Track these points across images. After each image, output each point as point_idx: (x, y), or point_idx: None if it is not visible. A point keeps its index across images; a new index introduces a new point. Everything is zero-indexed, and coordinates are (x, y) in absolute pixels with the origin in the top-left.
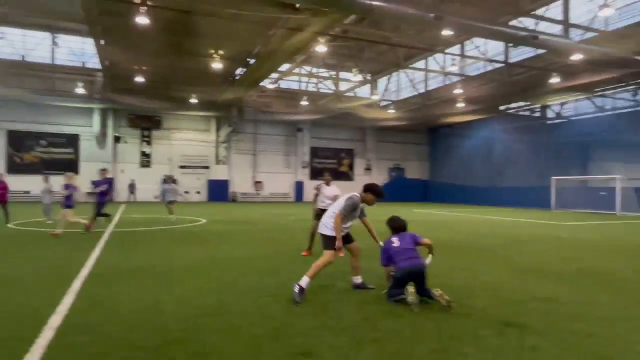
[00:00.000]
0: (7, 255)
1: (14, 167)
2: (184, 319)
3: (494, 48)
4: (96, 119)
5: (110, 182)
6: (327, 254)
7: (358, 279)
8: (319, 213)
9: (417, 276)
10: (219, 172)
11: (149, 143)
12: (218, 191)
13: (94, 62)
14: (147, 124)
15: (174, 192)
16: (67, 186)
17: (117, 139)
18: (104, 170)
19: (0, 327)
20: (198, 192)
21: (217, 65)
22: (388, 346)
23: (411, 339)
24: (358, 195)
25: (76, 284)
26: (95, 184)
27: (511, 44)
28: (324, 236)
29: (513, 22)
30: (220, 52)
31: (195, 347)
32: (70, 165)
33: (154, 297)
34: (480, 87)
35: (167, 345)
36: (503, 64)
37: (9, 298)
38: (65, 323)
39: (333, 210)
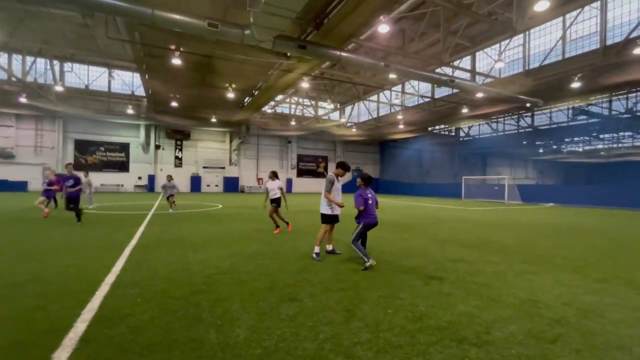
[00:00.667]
0: (72, 231)
1: (80, 166)
2: (205, 276)
3: (424, 87)
4: (142, 131)
5: (76, 178)
6: (323, 227)
7: (330, 247)
8: (273, 200)
9: (372, 229)
10: (231, 171)
11: (180, 150)
12: (231, 185)
13: (141, 91)
14: (179, 136)
15: (172, 188)
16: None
17: (157, 147)
18: (69, 165)
19: (68, 282)
20: (217, 186)
21: (231, 95)
22: (349, 292)
23: (366, 288)
24: (332, 173)
25: (126, 251)
26: (63, 178)
27: (436, 85)
28: (321, 214)
29: (438, 70)
30: (233, 85)
31: (214, 295)
32: (123, 166)
33: (183, 260)
34: (415, 114)
35: (193, 294)
36: (430, 99)
37: (75, 261)
38: (118, 280)
39: (322, 193)
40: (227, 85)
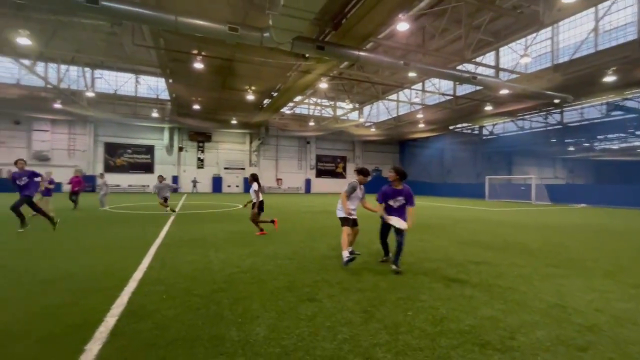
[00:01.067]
0: (101, 229)
1: (109, 168)
2: (227, 275)
3: (446, 85)
4: (166, 134)
5: (31, 174)
6: (343, 230)
7: (350, 249)
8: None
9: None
10: (251, 172)
11: (202, 151)
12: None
13: (165, 95)
14: (201, 138)
15: (168, 188)
16: (52, 181)
17: (180, 149)
18: (20, 161)
19: (99, 279)
20: (237, 186)
21: (250, 97)
22: (368, 294)
23: (385, 289)
24: (355, 180)
25: (152, 250)
26: (14, 176)
27: (458, 82)
28: (339, 218)
29: (460, 67)
30: (253, 88)
31: (235, 293)
32: (148, 167)
33: (205, 259)
34: (436, 112)
35: (215, 292)
36: (452, 97)
37: (104, 259)
38: (144, 277)
39: (341, 195)
40: (247, 87)
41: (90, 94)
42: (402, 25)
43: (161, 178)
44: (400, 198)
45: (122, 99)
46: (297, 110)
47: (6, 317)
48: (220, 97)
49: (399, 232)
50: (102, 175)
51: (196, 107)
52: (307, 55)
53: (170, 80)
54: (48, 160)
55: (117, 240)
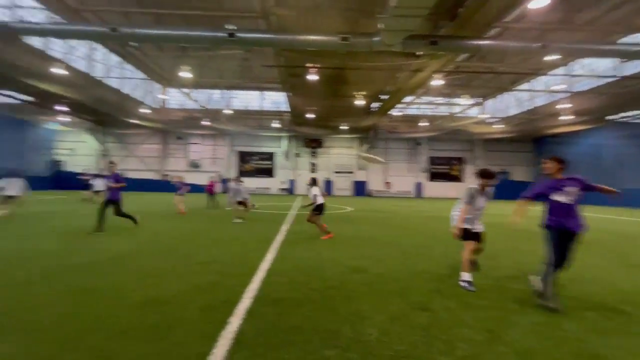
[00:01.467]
0: (234, 226)
1: (242, 173)
2: (338, 273)
3: (602, 64)
4: (284, 142)
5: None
6: (466, 246)
7: (469, 275)
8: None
9: (568, 242)
10: (360, 175)
11: (315, 156)
12: (359, 189)
13: (284, 107)
14: (314, 144)
15: (242, 192)
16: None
17: (296, 155)
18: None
19: (235, 265)
20: (347, 189)
21: (360, 102)
22: (492, 312)
23: (514, 311)
24: (475, 185)
25: (274, 245)
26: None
27: (623, 60)
28: (459, 230)
29: (624, 39)
30: (363, 93)
31: (346, 292)
32: (269, 172)
33: (318, 257)
34: (587, 100)
35: (328, 289)
36: (613, 78)
37: (240, 249)
38: (271, 268)
39: (457, 203)
40: (356, 93)
41: (227, 112)
42: (537, 1)
43: (236, 179)
44: (571, 188)
45: (250, 114)
46: (408, 111)
47: (179, 286)
48: (331, 104)
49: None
50: (236, 179)
51: (310, 115)
52: (418, 53)
53: (290, 94)
54: (199, 167)
55: (247, 234)
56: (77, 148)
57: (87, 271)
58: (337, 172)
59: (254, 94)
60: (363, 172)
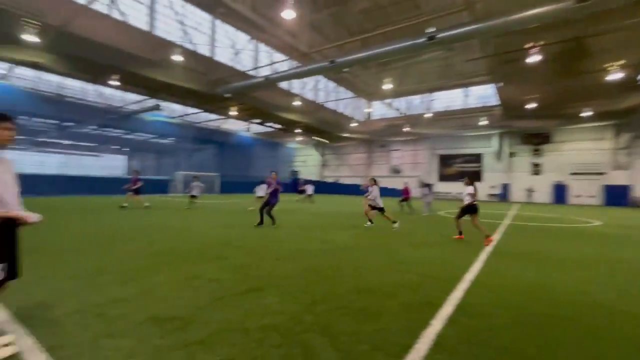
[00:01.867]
0: (436, 229)
1: (443, 177)
2: (568, 302)
3: None
4: (495, 140)
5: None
6: None
7: None
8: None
9: None
10: (616, 178)
11: (538, 155)
12: (615, 196)
13: (493, 101)
14: (537, 140)
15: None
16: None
17: (511, 154)
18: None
19: (435, 270)
20: (592, 196)
21: (613, 76)
22: None
23: None
24: None
25: (482, 256)
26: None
27: None
28: None
29: None
30: (619, 62)
31: (581, 329)
32: (476, 175)
33: (539, 277)
34: None
35: (551, 317)
36: None
37: (440, 255)
38: (476, 280)
39: None
40: (608, 65)
41: (428, 115)
42: None
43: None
44: None
45: (452, 114)
46: None
47: (383, 279)
48: (563, 87)
49: None
50: (426, 185)
51: (529, 106)
52: None
53: (501, 84)
54: (399, 173)
55: (447, 240)
56: (307, 160)
57: (317, 256)
58: (574, 174)
59: (456, 92)
60: (622, 173)
